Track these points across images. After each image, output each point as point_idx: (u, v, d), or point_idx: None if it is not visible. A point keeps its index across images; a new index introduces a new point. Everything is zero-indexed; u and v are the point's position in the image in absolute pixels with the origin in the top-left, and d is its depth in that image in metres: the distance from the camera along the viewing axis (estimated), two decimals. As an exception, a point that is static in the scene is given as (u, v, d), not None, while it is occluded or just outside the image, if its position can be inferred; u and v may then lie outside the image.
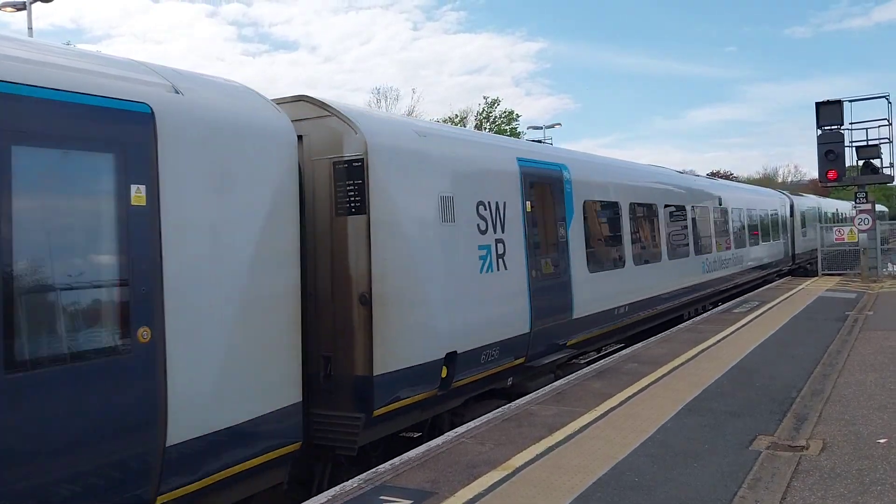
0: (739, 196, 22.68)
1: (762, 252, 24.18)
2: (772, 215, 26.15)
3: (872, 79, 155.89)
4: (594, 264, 11.90)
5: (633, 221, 13.70)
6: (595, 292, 11.67)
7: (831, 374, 9.75)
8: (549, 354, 10.39)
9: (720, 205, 19.77)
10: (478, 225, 8.73)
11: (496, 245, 9.03)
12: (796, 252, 29.95)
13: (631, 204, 13.69)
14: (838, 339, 12.43)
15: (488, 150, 9.99)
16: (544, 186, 10.66)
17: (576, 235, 11.25)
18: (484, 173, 9.12)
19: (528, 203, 9.91)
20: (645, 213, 14.61)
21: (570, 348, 11.14)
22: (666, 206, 15.59)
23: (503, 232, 9.20)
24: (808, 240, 32.22)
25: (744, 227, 22.03)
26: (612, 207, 13.14)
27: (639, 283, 13.69)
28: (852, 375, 9.63)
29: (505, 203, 9.35)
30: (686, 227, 16.87)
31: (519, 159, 10.05)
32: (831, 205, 43.89)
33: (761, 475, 6.00)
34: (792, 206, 29.78)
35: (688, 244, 16.80)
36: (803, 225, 32.06)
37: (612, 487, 5.84)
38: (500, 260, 9.07)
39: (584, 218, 11.63)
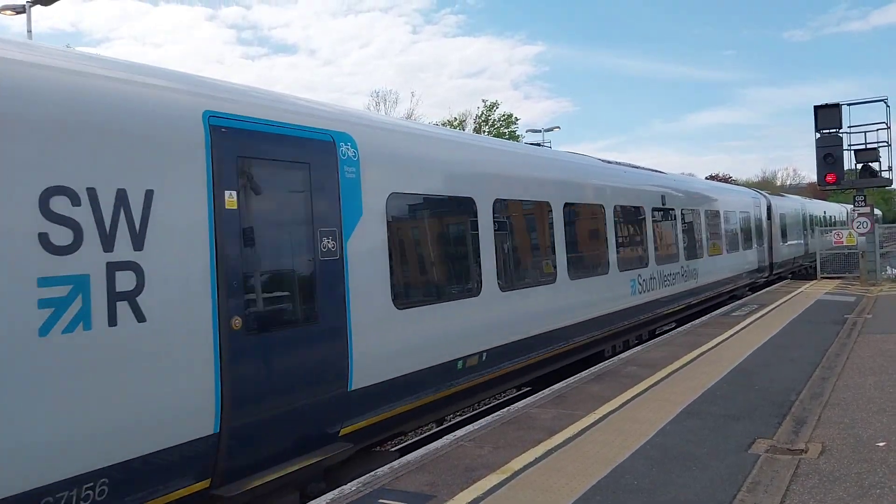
0: (694, 194, 18.53)
1: (728, 262, 20.37)
2: (742, 218, 22.49)
3: (871, 82, 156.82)
4: (411, 293, 8.06)
5: (502, 226, 9.67)
6: (411, 338, 7.82)
7: (830, 377, 9.75)
8: (282, 462, 6.19)
9: (664, 204, 15.76)
10: (41, 236, 4.63)
11: (111, 275, 4.99)
12: (775, 261, 26.51)
13: (498, 201, 9.59)
14: (837, 343, 12.42)
15: (97, 83, 5.26)
16: (287, 166, 6.58)
17: (366, 250, 7.31)
18: (76, 130, 4.94)
19: (229, 193, 5.88)
20: (526, 214, 10.76)
21: (348, 439, 7.00)
22: (567, 205, 11.45)
23: (140, 248, 5.19)
24: (789, 245, 29.31)
25: (701, 233, 18.16)
26: (458, 206, 9.06)
27: (509, 317, 9.59)
28: (851, 378, 9.62)
29: (150, 192, 5.31)
30: (604, 233, 12.80)
31: (211, 114, 5.88)
32: (818, 207, 40.24)
33: (760, 478, 5.99)
34: (769, 208, 26.50)
35: (606, 257, 12.70)
36: (784, 229, 28.50)
37: (611, 491, 5.83)
38: (124, 304, 5.05)
39: (391, 222, 7.71)
